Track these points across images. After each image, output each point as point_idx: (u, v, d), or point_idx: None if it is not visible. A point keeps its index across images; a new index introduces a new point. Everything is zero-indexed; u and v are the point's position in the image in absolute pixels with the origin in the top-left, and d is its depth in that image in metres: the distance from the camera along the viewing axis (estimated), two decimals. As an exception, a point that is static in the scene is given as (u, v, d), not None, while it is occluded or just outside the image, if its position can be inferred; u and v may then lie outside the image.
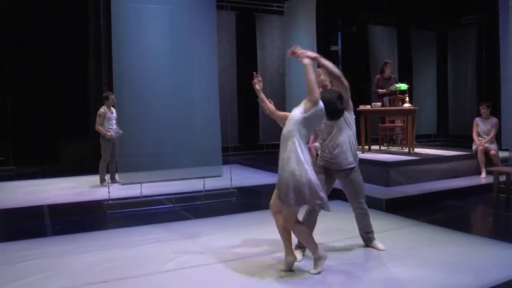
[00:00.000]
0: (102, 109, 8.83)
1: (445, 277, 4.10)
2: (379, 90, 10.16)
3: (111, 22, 7.01)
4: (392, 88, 9.95)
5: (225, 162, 8.18)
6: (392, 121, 10.78)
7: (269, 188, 8.61)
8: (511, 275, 4.11)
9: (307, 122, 4.04)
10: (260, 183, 9.04)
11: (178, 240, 5.43)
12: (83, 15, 12.23)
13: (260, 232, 5.62)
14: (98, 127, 8.72)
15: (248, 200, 7.81)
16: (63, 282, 4.14)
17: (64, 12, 12.05)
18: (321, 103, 4.04)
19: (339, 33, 15.33)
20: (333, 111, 4.19)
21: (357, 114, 9.90)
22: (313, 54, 4.27)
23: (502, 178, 7.29)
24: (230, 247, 5.06)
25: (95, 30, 11.91)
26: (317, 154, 5.39)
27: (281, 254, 4.59)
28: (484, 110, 9.01)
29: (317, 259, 4.20)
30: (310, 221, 4.67)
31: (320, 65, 4.53)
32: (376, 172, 8.12)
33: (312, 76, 4.04)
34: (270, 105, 4.58)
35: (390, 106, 10.05)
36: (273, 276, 4.17)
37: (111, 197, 7.06)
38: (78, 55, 12.32)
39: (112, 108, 8.80)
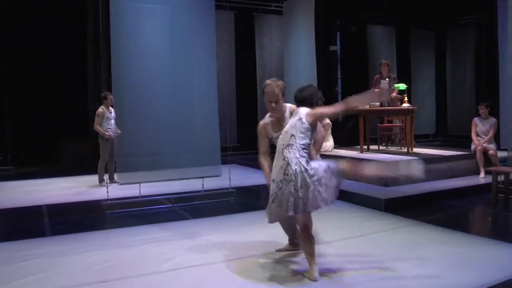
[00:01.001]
0: (101, 109, 8.82)
1: (444, 277, 4.10)
2: (375, 90, 10.20)
3: (109, 21, 7.01)
4: (384, 86, 9.97)
5: (224, 162, 8.18)
6: (391, 121, 10.80)
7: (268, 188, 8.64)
8: (510, 275, 4.11)
9: None
10: (259, 183, 8.98)
11: (176, 240, 5.43)
12: (82, 15, 12.24)
13: (258, 232, 5.61)
14: (97, 127, 8.72)
15: (247, 200, 7.81)
16: (62, 282, 4.13)
17: (63, 12, 12.05)
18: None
19: (338, 33, 15.35)
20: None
21: (356, 114, 9.97)
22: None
23: (501, 178, 7.29)
24: (228, 247, 5.05)
25: (94, 30, 11.93)
26: None
27: (279, 254, 4.62)
28: (482, 110, 9.01)
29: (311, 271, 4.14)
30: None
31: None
32: (375, 172, 8.11)
33: None
34: None
35: (388, 106, 10.07)
36: (271, 276, 4.17)
37: (109, 197, 7.06)
38: (77, 55, 12.32)
39: (110, 108, 8.79)
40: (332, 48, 14.94)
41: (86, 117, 12.15)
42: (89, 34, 12.30)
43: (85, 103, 12.48)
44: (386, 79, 10.17)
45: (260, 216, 6.39)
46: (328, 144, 10.27)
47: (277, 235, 5.26)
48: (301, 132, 4.02)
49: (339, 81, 15.37)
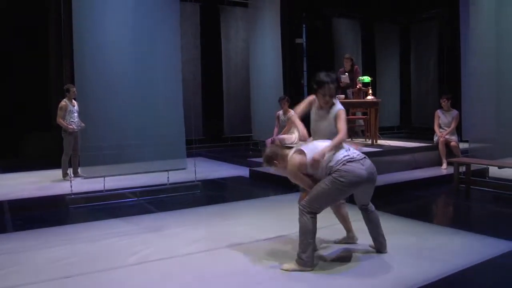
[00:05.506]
0: (64, 102, 8.67)
1: (407, 265, 4.17)
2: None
3: (72, 12, 6.88)
4: (345, 80, 10.06)
5: (189, 155, 8.14)
6: (354, 114, 10.92)
7: (233, 180, 8.68)
8: (471, 263, 4.21)
9: None
10: (225, 176, 9.05)
11: (142, 233, 5.39)
12: (44, 5, 11.98)
13: (224, 224, 5.64)
14: (60, 120, 8.57)
15: (213, 193, 7.80)
16: (24, 278, 4.05)
17: (24, 3, 11.77)
18: None
19: (304, 25, 15.38)
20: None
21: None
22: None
23: (462, 169, 7.45)
24: (194, 240, 5.04)
25: (56, 21, 11.68)
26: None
27: (246, 246, 4.62)
28: (444, 102, 9.15)
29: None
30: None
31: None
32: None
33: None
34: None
35: (353, 99, 10.15)
36: (238, 268, 4.18)
37: (74, 191, 6.96)
38: (39, 46, 12.06)
39: (73, 101, 8.65)
40: (298, 40, 14.96)
41: (49, 111, 11.91)
42: (51, 25, 12.05)
43: (47, 96, 12.23)
44: (346, 74, 10.24)
45: (226, 209, 6.44)
46: (294, 136, 10.22)
47: (243, 227, 5.28)
48: None
49: (305, 73, 15.41)
